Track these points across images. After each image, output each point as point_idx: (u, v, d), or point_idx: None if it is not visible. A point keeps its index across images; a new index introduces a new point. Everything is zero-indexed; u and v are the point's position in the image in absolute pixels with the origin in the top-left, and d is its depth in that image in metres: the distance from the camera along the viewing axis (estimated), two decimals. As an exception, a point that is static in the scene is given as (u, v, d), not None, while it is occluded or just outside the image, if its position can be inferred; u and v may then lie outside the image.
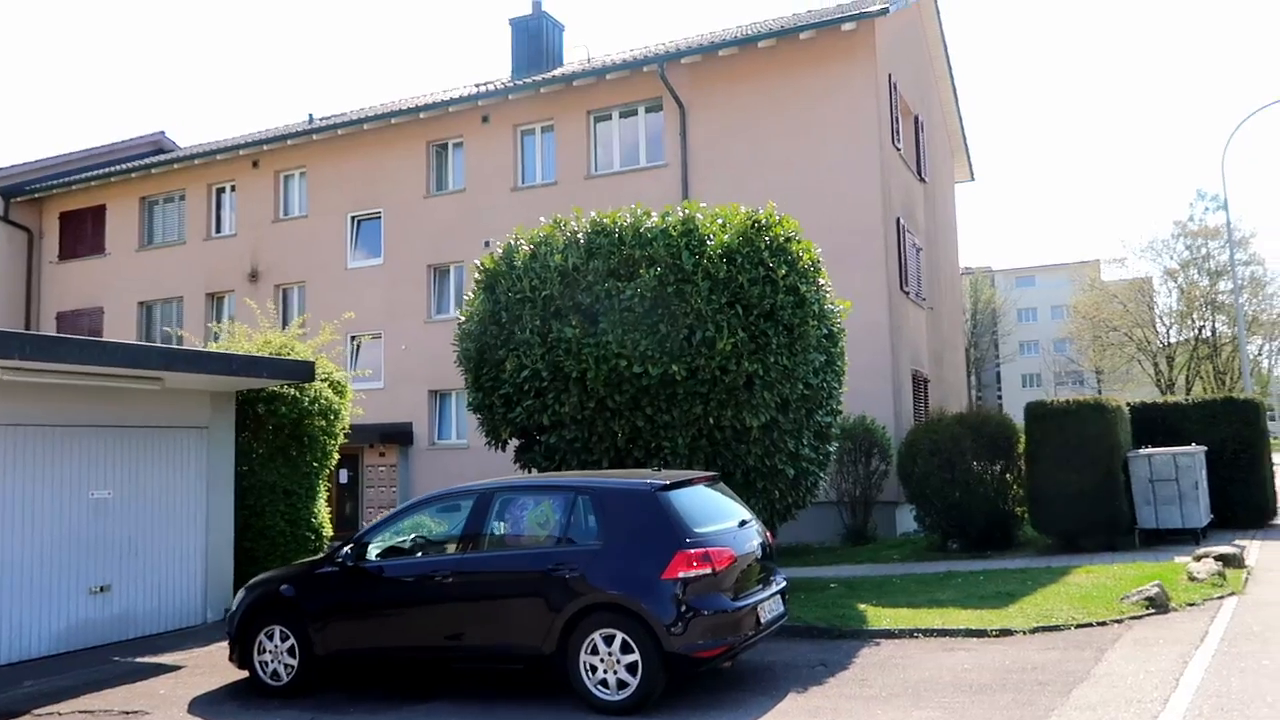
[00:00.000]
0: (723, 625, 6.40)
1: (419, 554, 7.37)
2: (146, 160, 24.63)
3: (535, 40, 22.16)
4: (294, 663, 7.35)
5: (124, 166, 24.45)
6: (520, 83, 20.03)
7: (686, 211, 10.21)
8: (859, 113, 16.94)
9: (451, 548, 7.21)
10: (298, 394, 11.89)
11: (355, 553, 7.39)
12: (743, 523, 7.19)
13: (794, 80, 17.44)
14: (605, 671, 6.36)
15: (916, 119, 20.35)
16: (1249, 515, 13.95)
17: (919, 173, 20.29)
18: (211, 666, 8.47)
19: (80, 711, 7.15)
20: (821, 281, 10.54)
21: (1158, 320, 40.39)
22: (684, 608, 6.26)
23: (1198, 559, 10.25)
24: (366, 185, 21.45)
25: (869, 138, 16.85)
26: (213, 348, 12.50)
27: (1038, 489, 12.68)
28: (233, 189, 23.41)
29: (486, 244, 11.04)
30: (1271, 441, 15.55)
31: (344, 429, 12.73)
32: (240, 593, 7.95)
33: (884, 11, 16.50)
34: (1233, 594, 9.13)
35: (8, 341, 8.15)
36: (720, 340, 9.48)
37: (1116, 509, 12.43)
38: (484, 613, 6.80)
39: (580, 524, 6.81)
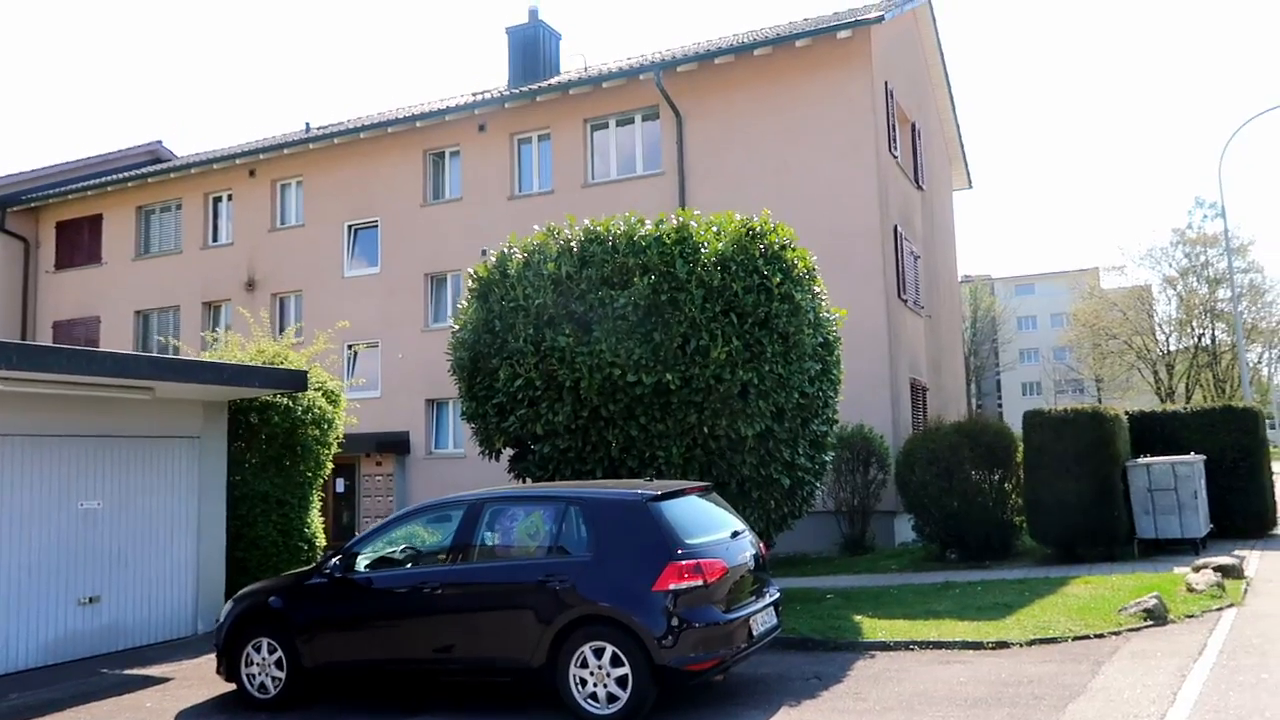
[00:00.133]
0: (714, 638, 6.32)
1: (408, 565, 7.29)
2: (143, 170, 24.64)
3: (532, 49, 22.15)
4: (281, 675, 7.26)
5: (120, 176, 24.43)
6: (516, 91, 20.02)
7: (680, 219, 10.16)
8: (855, 120, 16.91)
9: (441, 559, 7.12)
10: (291, 403, 11.83)
11: (343, 564, 7.31)
12: (735, 533, 7.11)
13: (790, 88, 17.43)
14: (595, 685, 6.28)
15: (913, 126, 20.33)
16: (1248, 525, 13.85)
17: (916, 180, 20.26)
18: (200, 679, 8.39)
19: (65, 725, 7.06)
20: (817, 289, 10.50)
21: (1157, 328, 40.34)
22: (675, 620, 6.18)
23: (1197, 570, 10.16)
24: (363, 194, 21.42)
25: (866, 145, 16.82)
26: (206, 357, 12.43)
27: (1036, 498, 12.59)
28: (229, 198, 23.38)
29: (483, 253, 11.00)
30: (1271, 450, 15.45)
31: (338, 438, 12.66)
32: (228, 604, 7.87)
33: (880, 19, 16.48)
34: (1232, 605, 9.04)
35: (-5, 351, 8.08)
36: (714, 349, 9.42)
37: (1115, 519, 12.34)
38: (473, 625, 6.72)
39: (571, 535, 6.73)
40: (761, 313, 9.64)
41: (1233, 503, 13.78)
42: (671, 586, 6.23)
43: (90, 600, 9.55)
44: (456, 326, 10.91)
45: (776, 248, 10.03)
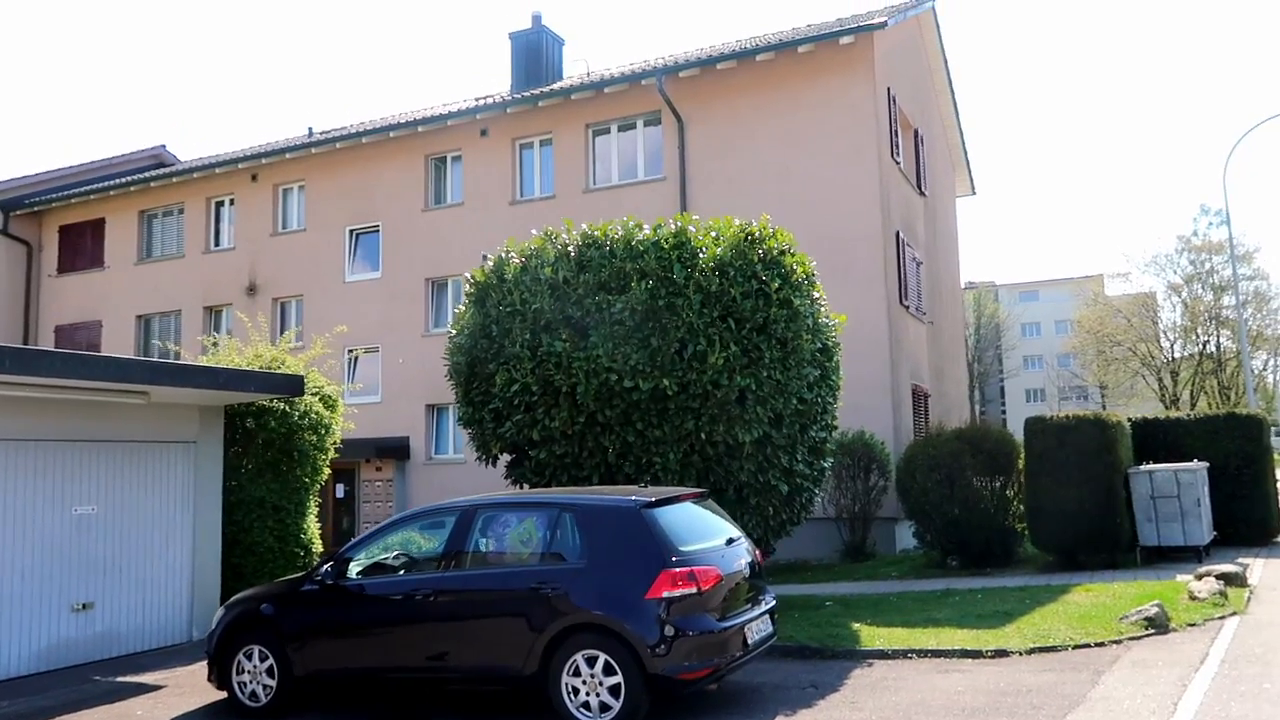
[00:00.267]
0: (708, 646, 6.25)
1: (401, 572, 7.23)
2: (145, 174, 24.65)
3: (535, 55, 22.16)
4: (273, 683, 7.20)
5: (123, 180, 24.46)
6: (518, 96, 20.02)
7: (678, 224, 10.11)
8: (858, 126, 16.86)
9: (433, 565, 7.05)
10: (288, 408, 11.79)
11: (335, 570, 7.25)
12: (730, 540, 7.04)
13: (792, 94, 17.39)
14: (587, 694, 6.21)
15: (916, 133, 20.27)
16: (1252, 532, 13.73)
17: (919, 186, 20.20)
18: (193, 686, 8.32)
19: (54, 732, 7.01)
20: (816, 295, 10.43)
21: (1162, 335, 40.18)
22: (668, 628, 6.11)
23: (1199, 578, 10.06)
24: (365, 199, 21.42)
25: (868, 151, 16.76)
26: (204, 361, 12.40)
27: (1037, 505, 12.50)
28: (231, 202, 23.40)
29: (485, 258, 10.96)
30: (1275, 457, 15.32)
31: (335, 443, 12.61)
32: (220, 611, 7.81)
33: (882, 25, 16.44)
34: (1234, 614, 8.94)
35: (-12, 355, 8.05)
36: (712, 354, 9.36)
37: (1117, 526, 12.24)
38: (465, 632, 6.65)
39: (563, 542, 6.67)
40: (759, 318, 9.58)
41: (1236, 510, 13.67)
42: (665, 594, 6.17)
43: (83, 606, 9.49)
44: (454, 331, 10.87)
45: (775, 253, 9.98)
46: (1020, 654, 7.85)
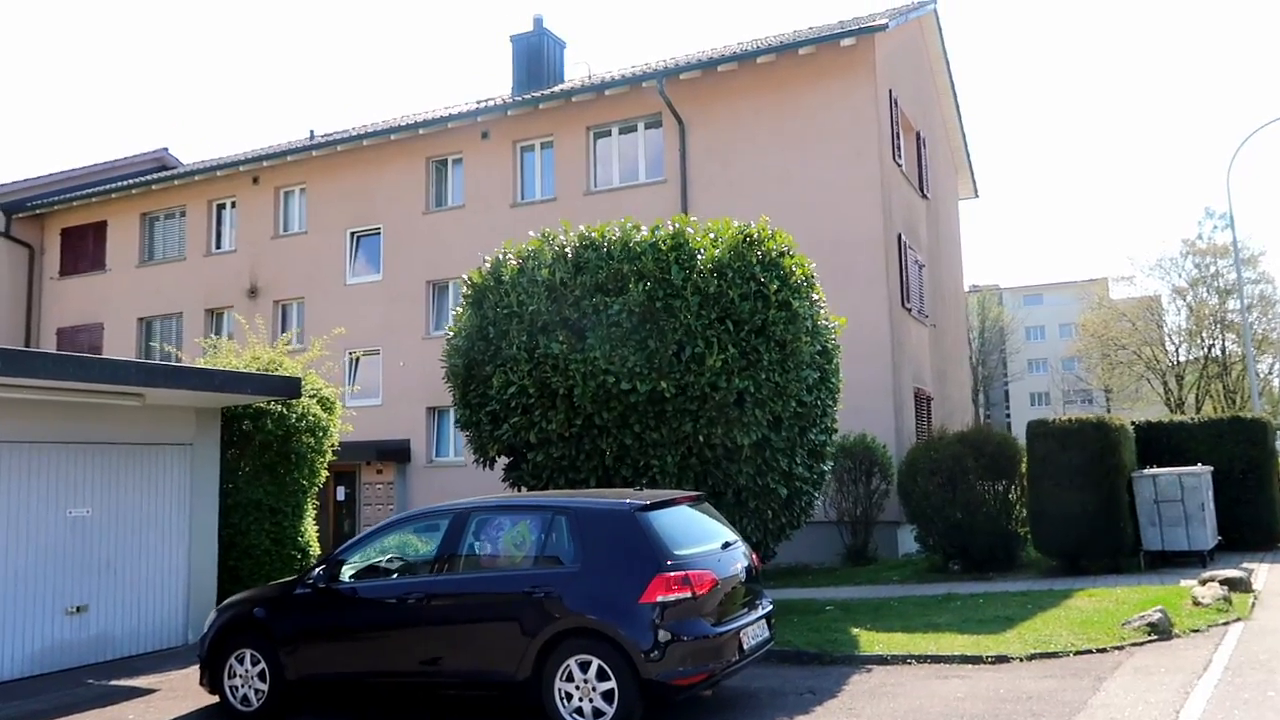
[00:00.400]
0: (703, 651, 6.17)
1: (393, 575, 7.16)
2: (147, 176, 24.66)
3: (536, 57, 22.14)
4: (264, 688, 7.14)
5: (125, 183, 24.48)
6: (519, 99, 19.99)
7: (676, 225, 10.04)
8: (859, 128, 16.80)
9: (426, 569, 6.98)
10: (285, 410, 11.74)
11: (327, 574, 7.19)
12: (726, 544, 6.96)
13: (794, 96, 17.33)
14: (581, 699, 6.13)
15: (918, 135, 20.20)
16: (1257, 537, 13.61)
17: (921, 189, 20.12)
18: (186, 690, 8.26)
19: (44, 737, 6.95)
20: (815, 297, 10.35)
21: (1166, 339, 39.98)
22: (662, 633, 6.03)
23: (1203, 583, 9.95)
24: (366, 201, 21.39)
25: (869, 153, 16.69)
26: (201, 363, 12.35)
27: (1040, 509, 12.39)
28: (233, 205, 23.39)
29: (483, 259, 10.91)
30: (1280, 462, 15.19)
31: (333, 446, 12.56)
32: (212, 614, 7.76)
33: (884, 27, 16.38)
34: (1239, 620, 8.83)
35: (-19, 356, 8.00)
36: (710, 356, 9.29)
37: (1121, 530, 12.13)
38: (457, 637, 6.58)
39: (557, 545, 6.60)
40: (758, 320, 9.51)
41: (1241, 515, 13.55)
42: (659, 599, 6.09)
43: (78, 609, 9.44)
44: (451, 333, 10.81)
45: (774, 254, 9.91)
46: (1021, 660, 7.75)
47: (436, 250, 20.29)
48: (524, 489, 10.28)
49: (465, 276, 10.93)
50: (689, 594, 6.17)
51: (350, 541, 7.57)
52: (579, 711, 6.13)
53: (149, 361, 10.10)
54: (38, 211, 25.39)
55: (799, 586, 12.58)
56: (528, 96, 19.85)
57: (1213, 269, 37.99)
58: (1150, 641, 8.10)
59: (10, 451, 9.02)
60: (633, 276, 9.58)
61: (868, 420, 15.11)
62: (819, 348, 10.25)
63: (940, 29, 21.41)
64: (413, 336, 20.31)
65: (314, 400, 12.17)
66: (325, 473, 12.63)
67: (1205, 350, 38.02)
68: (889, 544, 15.62)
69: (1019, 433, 13.35)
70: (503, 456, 10.66)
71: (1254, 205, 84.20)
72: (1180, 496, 12.18)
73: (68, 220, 25.50)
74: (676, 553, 6.36)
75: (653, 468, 9.56)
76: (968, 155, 24.80)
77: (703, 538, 6.85)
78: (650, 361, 9.33)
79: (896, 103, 18.04)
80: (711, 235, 9.98)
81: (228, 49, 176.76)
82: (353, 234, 21.64)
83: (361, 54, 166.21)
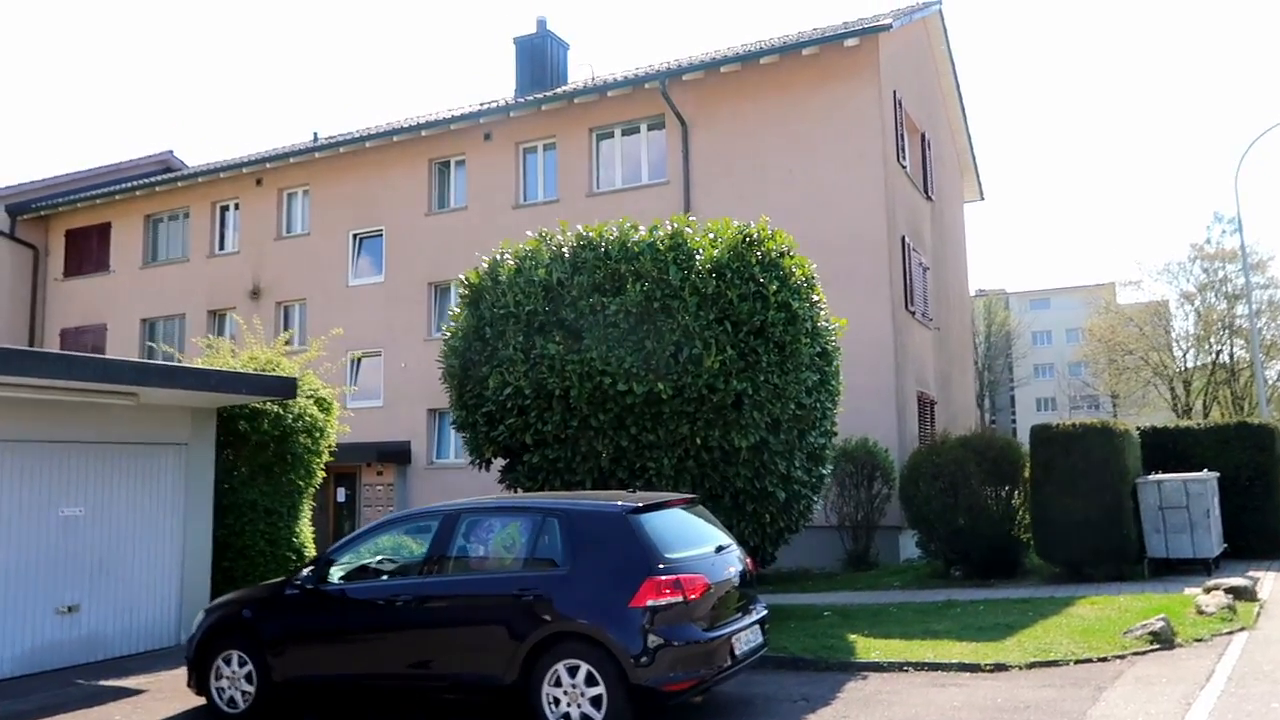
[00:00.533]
0: (694, 657, 6.06)
1: (382, 577, 7.08)
2: (151, 178, 24.69)
3: (539, 59, 22.10)
4: (251, 690, 7.05)
5: (129, 184, 24.52)
6: (522, 100, 19.94)
7: (675, 225, 9.95)
8: (863, 129, 16.69)
9: (415, 570, 6.89)
10: (281, 411, 11.67)
11: (316, 575, 7.10)
12: (720, 548, 6.85)
13: (797, 97, 17.23)
14: (569, 704, 6.03)
15: (923, 137, 20.07)
16: (1263, 544, 13.44)
17: (925, 191, 19.99)
18: (175, 691, 8.17)
19: (28, 738, 6.87)
20: (815, 298, 10.24)
21: (1174, 344, 39.70)
22: (652, 638, 5.93)
23: (1207, 591, 9.81)
24: (368, 203, 21.36)
25: (873, 154, 16.59)
26: (199, 363, 12.30)
27: (1043, 515, 12.25)
28: (236, 207, 23.40)
29: (481, 260, 10.84)
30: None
31: (330, 447, 12.49)
32: (200, 615, 7.68)
33: (887, 27, 16.29)
34: (1243, 629, 8.68)
35: (-29, 354, 7.95)
36: (708, 357, 9.19)
37: (1124, 537, 11.97)
38: (446, 640, 6.49)
39: (548, 547, 6.49)
40: (757, 321, 9.41)
41: (1247, 522, 13.39)
42: (649, 603, 5.99)
43: (69, 609, 9.37)
44: (448, 333, 10.74)
45: (774, 255, 9.81)
46: (1020, 668, 7.62)
47: (439, 252, 20.24)
48: (520, 490, 10.19)
49: (462, 277, 10.86)
50: (680, 598, 6.07)
51: (340, 542, 7.49)
52: (567, 717, 6.02)
53: (142, 361, 10.04)
54: (43, 213, 25.44)
55: (798, 591, 12.45)
56: (530, 98, 19.80)
57: (1221, 274, 37.71)
58: (1152, 650, 7.96)
59: (3, 450, 8.95)
60: (630, 277, 9.49)
61: (870, 424, 14.99)
62: (819, 349, 10.14)
63: (945, 30, 21.30)
64: (414, 338, 20.26)
65: (311, 401, 12.10)
66: (322, 474, 12.56)
67: (1213, 356, 37.71)
68: (890, 549, 15.48)
69: (1024, 438, 13.21)
70: (499, 458, 10.57)
71: (1263, 209, 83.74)
72: (1185, 503, 12.03)
73: (72, 222, 25.55)
74: (668, 556, 6.26)
75: (649, 470, 9.46)
76: (973, 157, 24.67)
77: (696, 541, 6.75)
78: (647, 362, 9.24)
79: (901, 104, 17.93)
80: (711, 235, 9.89)
81: (234, 52, 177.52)
82: (355, 235, 21.61)
83: (366, 56, 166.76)
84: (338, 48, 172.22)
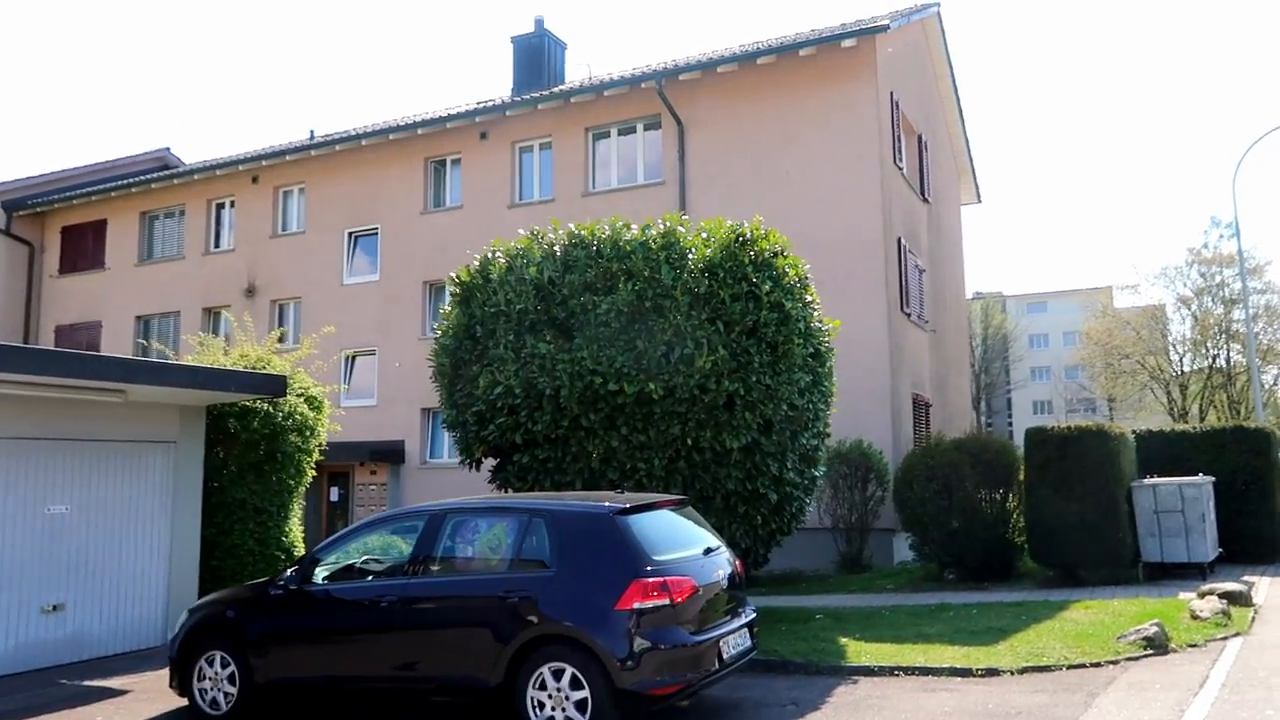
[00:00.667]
0: (680, 661, 5.99)
1: (367, 577, 7.00)
2: (147, 175, 24.61)
3: (536, 58, 22.03)
4: (234, 691, 6.97)
5: (125, 181, 24.43)
6: (518, 99, 19.88)
7: (667, 224, 9.88)
8: (859, 130, 16.63)
9: (400, 571, 6.81)
10: (271, 409, 11.59)
11: (300, 575, 7.02)
12: (709, 550, 6.78)
13: (794, 98, 17.17)
14: (554, 708, 5.95)
15: (920, 138, 20.02)
16: (1259, 549, 13.38)
17: (922, 193, 19.93)
18: (159, 692, 8.08)
19: (7, 739, 6.79)
20: (809, 298, 10.16)
21: (1171, 348, 39.65)
22: (638, 641, 5.85)
23: (1202, 596, 9.74)
24: (364, 201, 21.29)
25: (869, 156, 16.52)
26: (189, 361, 12.21)
27: (1037, 518, 12.18)
28: (232, 204, 23.32)
29: (474, 259, 10.76)
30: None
31: (320, 445, 12.41)
32: (184, 615, 7.59)
33: (884, 28, 16.22)
34: (1238, 634, 8.62)
35: (-45, 350, 7.87)
36: (699, 358, 9.11)
37: (1119, 541, 11.91)
38: (430, 641, 6.42)
39: (533, 549, 6.42)
40: (749, 321, 9.33)
41: (1242, 526, 13.33)
42: (636, 605, 5.91)
43: (54, 608, 9.28)
44: (439, 331, 10.67)
45: (767, 255, 9.73)
46: (1012, 673, 7.55)
47: (434, 251, 20.15)
48: (510, 491, 10.11)
49: (453, 275, 10.78)
50: (667, 601, 5.99)
51: (325, 542, 7.41)
52: (551, 721, 5.95)
53: (130, 358, 9.97)
54: (38, 210, 25.35)
55: (791, 594, 12.37)
56: (526, 97, 19.73)
57: (1218, 278, 37.67)
58: (1146, 656, 7.89)
59: (-14, 447, 8.88)
60: (622, 276, 9.41)
61: (864, 426, 14.92)
62: (812, 350, 10.06)
63: (943, 32, 21.24)
64: (409, 337, 20.18)
65: (301, 399, 12.02)
66: (313, 472, 12.48)
67: (1210, 360, 37.69)
68: (884, 551, 15.41)
69: (1021, 441, 13.17)
70: (489, 458, 10.49)
71: (1260, 214, 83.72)
72: (1181, 507, 11.97)
73: (68, 218, 25.46)
74: (656, 558, 6.18)
75: (640, 471, 9.38)
76: (970, 160, 24.61)
77: (684, 543, 6.68)
78: (638, 362, 9.16)
79: (898, 105, 17.86)
80: (704, 235, 9.82)
81: (232, 50, 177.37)
82: (351, 234, 21.54)
83: (364, 55, 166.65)
84: (335, 46, 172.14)
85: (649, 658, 5.84)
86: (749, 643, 6.74)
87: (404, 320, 20.36)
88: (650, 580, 6.00)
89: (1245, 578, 11.52)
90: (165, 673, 8.59)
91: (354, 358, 20.76)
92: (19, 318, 25.45)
